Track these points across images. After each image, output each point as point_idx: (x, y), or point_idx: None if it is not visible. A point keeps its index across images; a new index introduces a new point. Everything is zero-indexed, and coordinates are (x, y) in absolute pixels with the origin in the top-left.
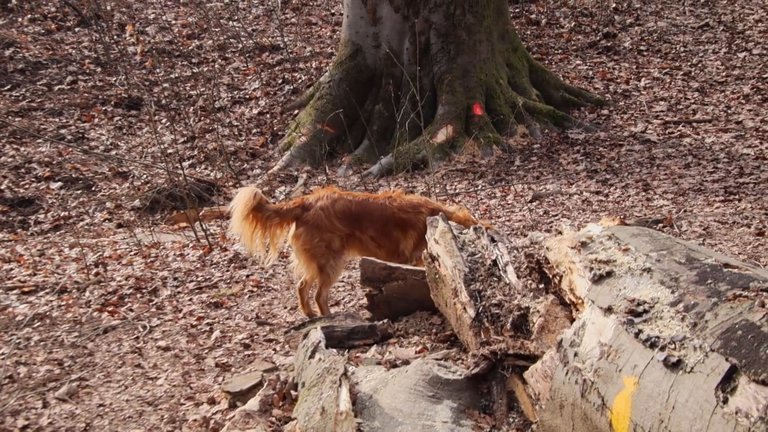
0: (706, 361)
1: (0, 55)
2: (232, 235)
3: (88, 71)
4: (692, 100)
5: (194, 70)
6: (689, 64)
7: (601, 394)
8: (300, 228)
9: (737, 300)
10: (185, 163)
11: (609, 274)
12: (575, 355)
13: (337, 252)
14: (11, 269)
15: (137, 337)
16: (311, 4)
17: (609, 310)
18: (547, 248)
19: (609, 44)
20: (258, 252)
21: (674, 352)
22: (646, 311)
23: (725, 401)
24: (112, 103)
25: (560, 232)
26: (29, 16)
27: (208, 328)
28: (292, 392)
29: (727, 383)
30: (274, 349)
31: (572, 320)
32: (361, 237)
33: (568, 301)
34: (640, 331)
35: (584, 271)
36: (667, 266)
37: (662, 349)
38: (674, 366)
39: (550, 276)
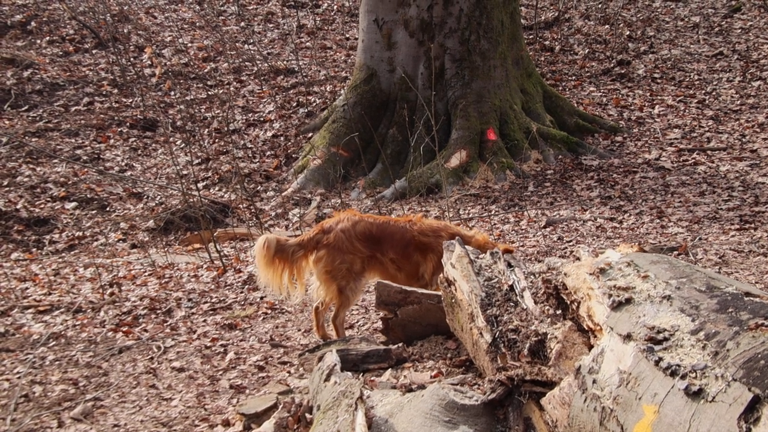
0: (728, 391)
1: (18, 76)
2: (261, 285)
3: (104, 93)
4: (706, 128)
5: (209, 93)
6: (703, 92)
7: (620, 422)
8: (321, 250)
9: (759, 329)
10: (200, 185)
11: (628, 300)
12: (594, 382)
13: (357, 274)
14: (27, 288)
15: (152, 358)
16: (326, 28)
17: (628, 337)
18: (565, 274)
19: (623, 71)
20: (287, 290)
21: (695, 380)
22: (666, 339)
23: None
24: (128, 124)
25: (578, 258)
26: (48, 38)
27: (222, 350)
28: (307, 415)
29: (750, 413)
30: (289, 372)
31: (590, 347)
32: (381, 259)
33: (587, 328)
34: (661, 358)
35: (603, 297)
36: (687, 294)
37: (683, 377)
38: (695, 395)
39: (568, 302)
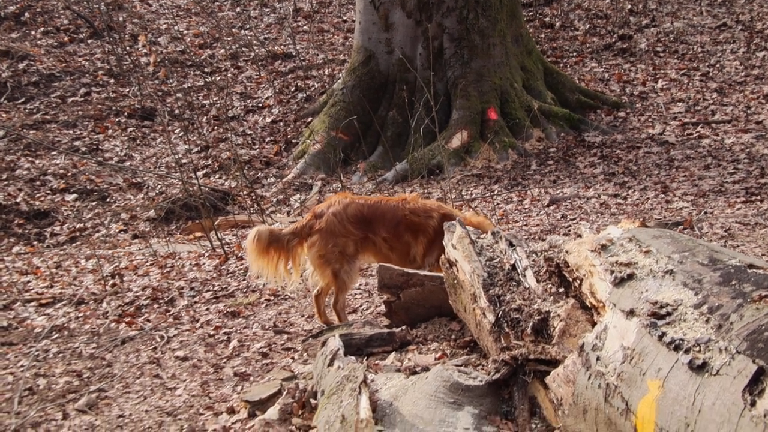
0: (732, 364)
1: (14, 68)
2: (253, 274)
3: (101, 83)
4: (711, 101)
5: (207, 80)
6: (707, 64)
7: (624, 399)
8: (314, 236)
9: (763, 301)
10: (199, 173)
11: (630, 276)
12: (598, 359)
13: (351, 257)
14: (28, 281)
15: (155, 348)
16: (323, 11)
17: (631, 313)
18: (567, 252)
19: (625, 46)
20: (282, 279)
21: (699, 354)
22: (669, 314)
23: (753, 404)
24: (126, 114)
25: (580, 235)
26: (42, 29)
27: (225, 338)
28: (312, 401)
29: (754, 385)
30: (293, 358)
31: (594, 324)
32: (374, 239)
33: (589, 305)
34: (664, 333)
35: (605, 274)
36: (689, 268)
37: (687, 351)
38: (699, 369)
39: (570, 279)
